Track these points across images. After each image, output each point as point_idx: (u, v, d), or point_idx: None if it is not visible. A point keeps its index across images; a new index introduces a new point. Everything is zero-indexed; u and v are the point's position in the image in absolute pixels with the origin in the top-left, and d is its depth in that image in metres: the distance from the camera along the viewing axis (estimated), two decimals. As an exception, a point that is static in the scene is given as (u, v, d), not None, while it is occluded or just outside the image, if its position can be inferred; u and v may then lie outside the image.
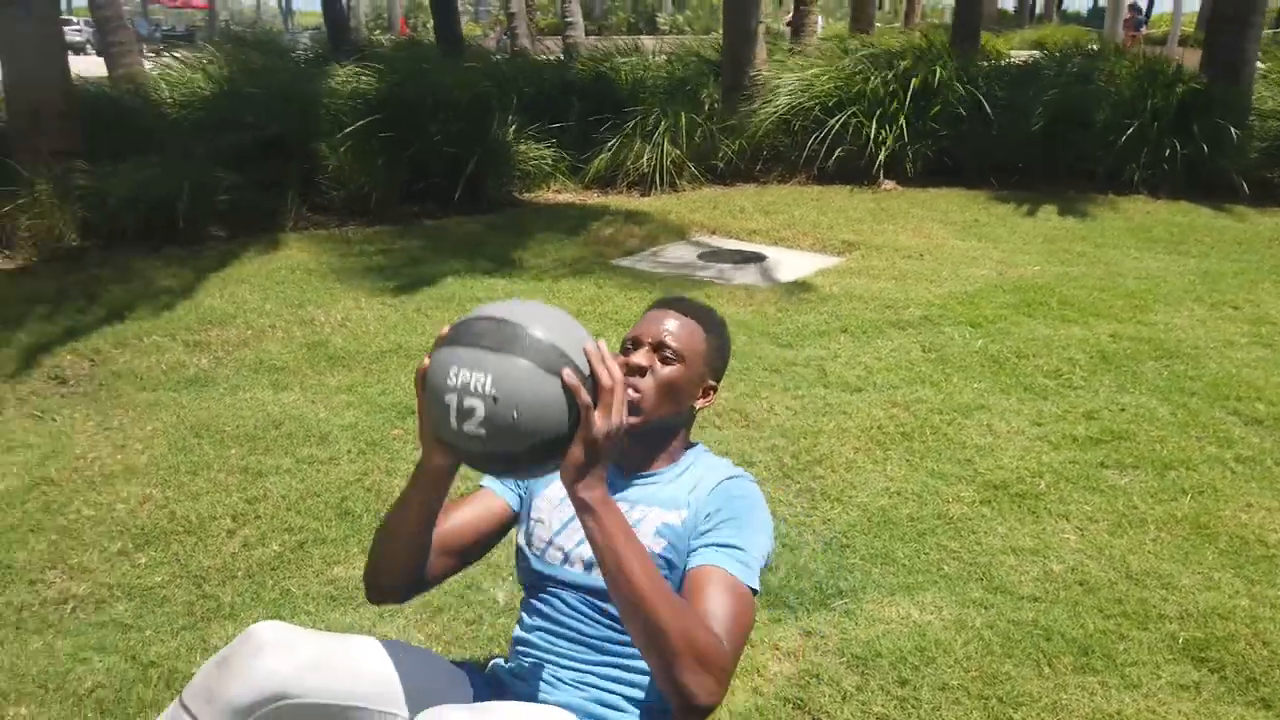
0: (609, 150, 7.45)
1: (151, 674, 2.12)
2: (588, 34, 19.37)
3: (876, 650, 2.23)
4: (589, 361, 1.25)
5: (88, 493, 2.90)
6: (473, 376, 1.20)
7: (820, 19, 19.24)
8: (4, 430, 3.32)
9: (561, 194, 7.36)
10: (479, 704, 1.47)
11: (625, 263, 5.56)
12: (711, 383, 1.65)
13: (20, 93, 6.18)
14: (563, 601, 1.57)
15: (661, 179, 7.34)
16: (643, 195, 7.33)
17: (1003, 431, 3.39)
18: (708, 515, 1.50)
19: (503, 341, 1.22)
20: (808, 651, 2.24)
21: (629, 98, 8.09)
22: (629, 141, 7.44)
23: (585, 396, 1.22)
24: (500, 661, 1.69)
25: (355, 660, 1.48)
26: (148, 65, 10.68)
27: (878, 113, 7.46)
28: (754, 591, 1.43)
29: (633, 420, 1.48)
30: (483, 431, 1.20)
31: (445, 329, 1.29)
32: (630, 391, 1.50)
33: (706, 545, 1.45)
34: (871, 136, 7.39)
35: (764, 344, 4.21)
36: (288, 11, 54.82)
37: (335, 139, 6.31)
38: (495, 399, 1.19)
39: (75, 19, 34.67)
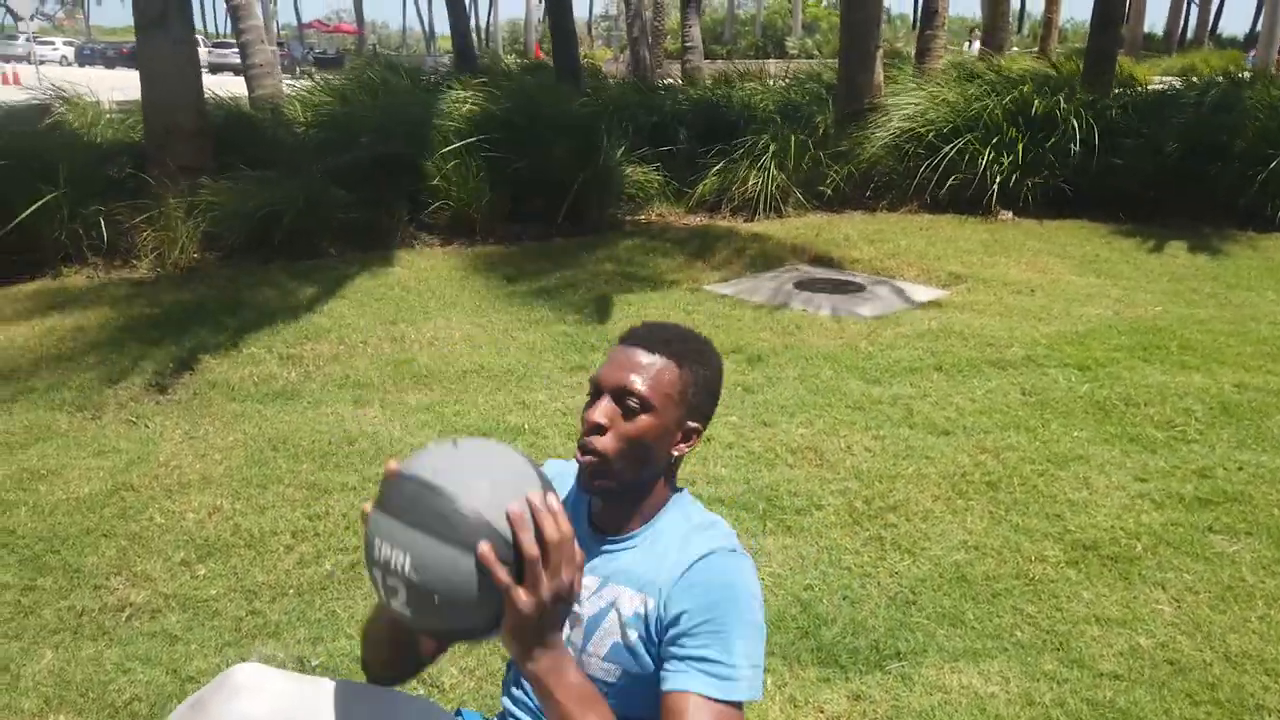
0: (714, 175, 7.39)
1: (189, 689, 2.14)
2: (715, 58, 19.32)
3: (928, 721, 2.07)
4: (512, 530, 1.10)
5: (163, 500, 2.99)
6: (393, 555, 1.10)
7: (969, 43, 18.77)
8: (99, 435, 3.47)
9: (665, 217, 7.33)
10: None
11: (715, 287, 5.46)
12: (693, 424, 1.37)
13: (156, 113, 6.55)
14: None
15: (766, 204, 7.21)
16: (746, 220, 7.22)
17: (1100, 486, 3.14)
18: (680, 615, 1.30)
19: (426, 517, 1.09)
20: (849, 716, 2.09)
21: (739, 122, 8.02)
22: (735, 166, 7.36)
23: (504, 576, 1.08)
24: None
25: (330, 706, 1.45)
26: (286, 86, 11.23)
27: (994, 140, 7.14)
28: (738, 704, 1.25)
29: (603, 484, 1.34)
30: (408, 612, 1.12)
31: (388, 468, 1.16)
32: (589, 456, 1.33)
33: (681, 658, 1.28)
34: (986, 164, 7.08)
35: (849, 379, 4.05)
36: (431, 36, 57.10)
37: (441, 159, 6.43)
38: (414, 584, 1.09)
39: (234, 42, 37.04)
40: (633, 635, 1.33)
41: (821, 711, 2.12)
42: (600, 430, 1.32)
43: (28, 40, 34.96)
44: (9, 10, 30.09)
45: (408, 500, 1.11)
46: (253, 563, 2.67)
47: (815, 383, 4.00)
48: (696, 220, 7.30)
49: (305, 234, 6.06)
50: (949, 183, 7.18)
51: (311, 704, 1.41)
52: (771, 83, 10.67)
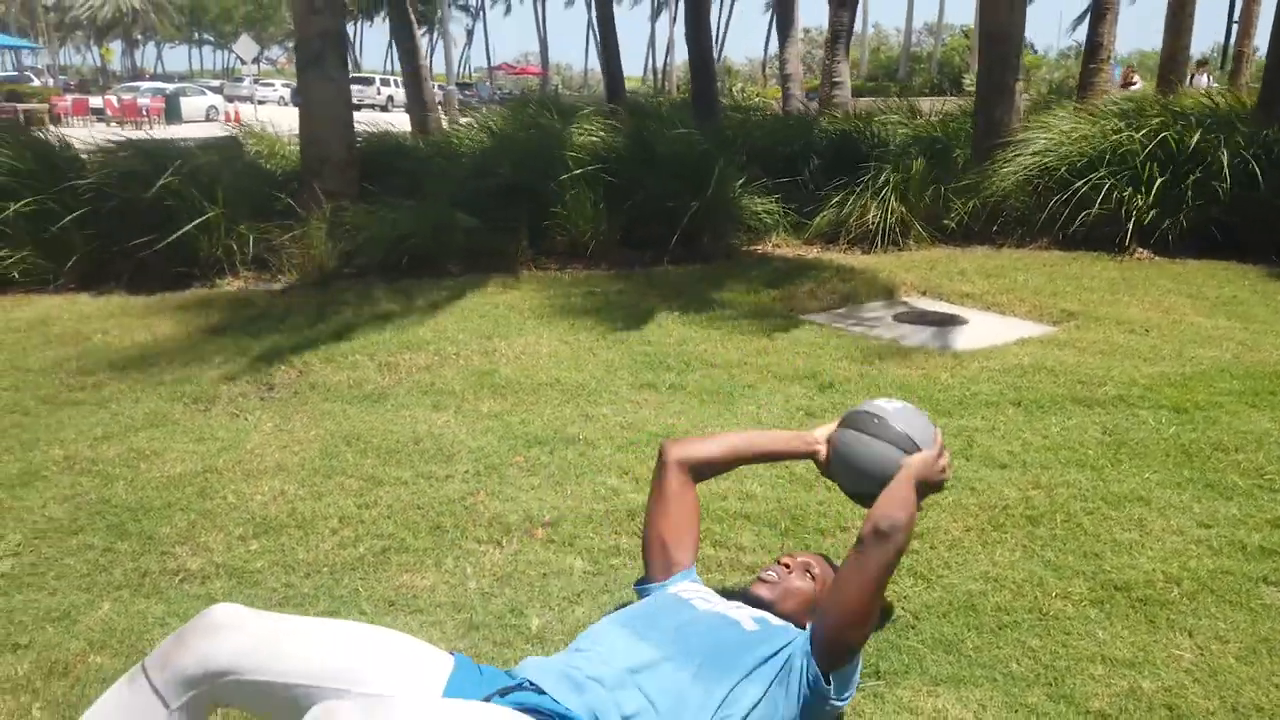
0: (833, 206, 7.37)
1: (210, 643, 2.38)
2: (892, 95, 19.12)
3: (883, 739, 2.05)
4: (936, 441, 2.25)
5: (239, 483, 3.30)
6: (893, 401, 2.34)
7: (1137, 78, 17.83)
8: (204, 424, 3.86)
9: (781, 248, 7.37)
10: (385, 700, 1.54)
11: (812, 317, 5.46)
12: None
13: (312, 143, 7.19)
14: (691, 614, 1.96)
15: (885, 237, 7.14)
16: (863, 253, 7.16)
17: (1155, 529, 2.98)
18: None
19: (868, 427, 2.26)
20: (807, 727, 2.10)
21: (868, 155, 7.98)
22: (854, 198, 7.32)
23: (940, 439, 2.26)
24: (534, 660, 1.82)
25: (304, 644, 1.61)
26: (445, 122, 12.01)
27: (1131, 175, 6.80)
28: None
29: (766, 596, 2.12)
30: (894, 408, 2.27)
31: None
32: (773, 571, 2.18)
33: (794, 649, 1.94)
34: (1124, 201, 6.75)
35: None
36: (621, 85, 59.02)
37: (561, 187, 6.73)
38: (907, 406, 2.32)
39: (433, 83, 39.59)
40: (750, 622, 1.98)
41: None
42: (787, 567, 2.21)
43: (251, 82, 38.59)
44: (237, 55, 33.34)
45: (864, 421, 2.25)
46: (299, 542, 2.92)
47: (880, 411, 3.95)
48: (812, 252, 7.30)
49: (431, 256, 6.47)
50: (1082, 219, 6.89)
51: (287, 642, 1.60)
52: (922, 119, 10.52)
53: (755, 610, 2.03)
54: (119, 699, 1.56)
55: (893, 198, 7.17)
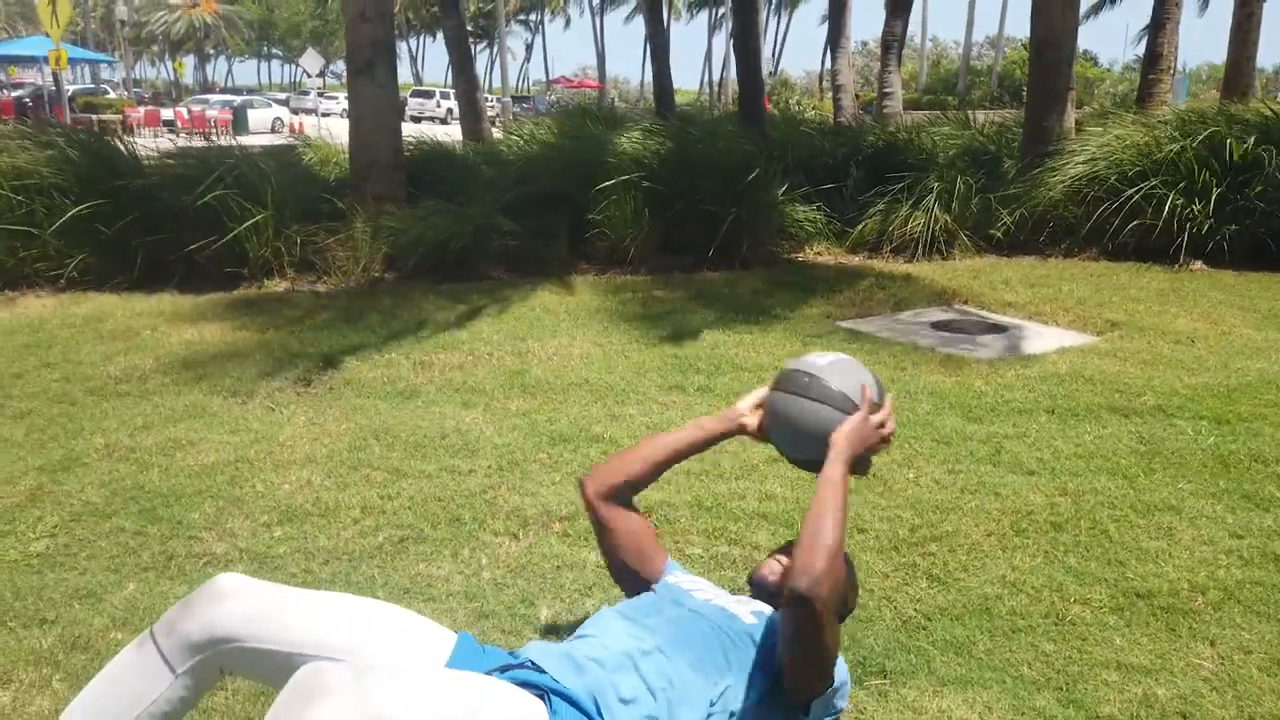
0: (876, 215, 7.31)
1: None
2: (950, 108, 18.96)
3: (882, 736, 2.03)
4: (879, 389, 1.96)
5: (268, 473, 3.38)
6: (827, 355, 1.99)
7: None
8: (240, 417, 3.96)
9: (822, 256, 7.32)
10: (372, 668, 1.56)
11: (848, 324, 5.42)
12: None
13: (361, 148, 7.33)
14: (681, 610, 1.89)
15: (929, 246, 7.06)
16: (906, 261, 7.09)
17: (1185, 539, 2.90)
18: None
19: (855, 365, 1.99)
20: (806, 722, 2.08)
21: (914, 165, 7.90)
22: (898, 206, 7.25)
23: (872, 392, 1.91)
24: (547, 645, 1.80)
25: (308, 614, 1.65)
26: (499, 132, 12.16)
27: (1184, 185, 6.64)
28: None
29: (770, 582, 1.99)
30: (824, 362, 1.94)
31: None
32: (769, 565, 2.03)
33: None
34: (1175, 211, 6.59)
35: (948, 415, 3.93)
36: (670, 95, 59.20)
37: (601, 193, 6.78)
38: (839, 359, 1.97)
39: (491, 97, 40.16)
40: (749, 615, 1.88)
41: (782, 715, 2.12)
42: (782, 561, 2.01)
43: (316, 95, 39.52)
44: (303, 68, 34.18)
45: (794, 381, 1.94)
46: (321, 529, 2.98)
47: (909, 416, 3.92)
48: (854, 260, 7.25)
49: (472, 260, 6.56)
50: (1131, 229, 6.74)
51: (290, 613, 1.63)
52: (974, 129, 10.39)
53: (755, 603, 2.01)
54: (127, 663, 1.60)
55: (937, 206, 7.09)
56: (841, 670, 1.82)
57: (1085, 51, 53.71)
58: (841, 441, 1.83)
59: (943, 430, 3.76)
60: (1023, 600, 2.58)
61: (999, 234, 7.22)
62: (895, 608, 2.55)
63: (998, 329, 5.32)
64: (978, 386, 4.29)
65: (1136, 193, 6.73)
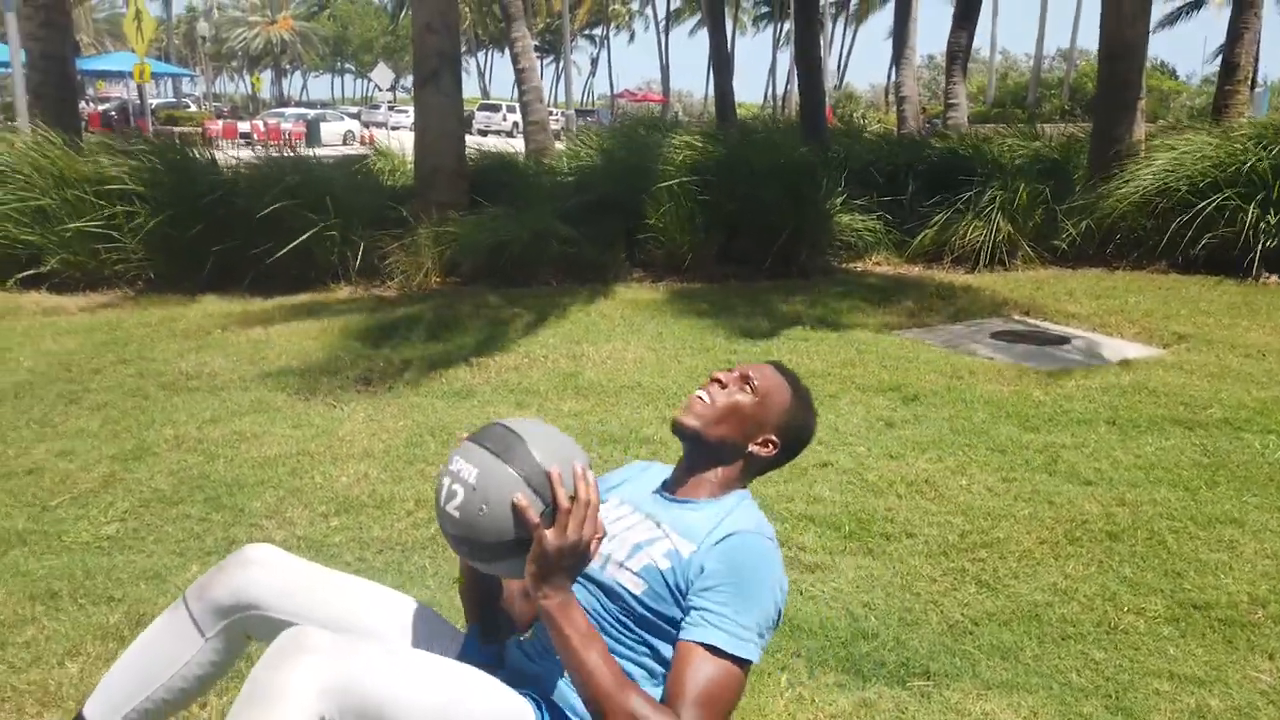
0: (935, 225, 7.24)
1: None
2: (1018, 121, 18.66)
3: (924, 736, 2.01)
4: (550, 484, 1.39)
5: (327, 466, 3.48)
6: (464, 466, 1.41)
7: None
8: (303, 413, 4.07)
9: (880, 266, 7.27)
10: (363, 638, 1.57)
11: (905, 333, 5.38)
12: (773, 438, 1.66)
13: (426, 156, 7.50)
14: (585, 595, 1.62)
15: (990, 257, 6.96)
16: (966, 272, 7.00)
17: (1247, 552, 2.83)
18: (708, 572, 1.50)
19: (502, 449, 1.41)
20: (847, 718, 2.08)
21: (977, 175, 7.80)
22: (959, 217, 7.17)
23: (533, 516, 1.37)
24: (518, 638, 1.80)
25: (330, 593, 1.70)
26: (563, 144, 12.33)
27: (1260, 196, 6.45)
28: (743, 661, 1.44)
29: (691, 424, 1.63)
30: (456, 514, 1.41)
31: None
32: (699, 396, 1.65)
33: (698, 610, 1.47)
34: (1249, 223, 6.40)
35: (1004, 424, 3.88)
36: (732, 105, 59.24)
37: (657, 201, 6.82)
38: (474, 489, 1.39)
39: (555, 110, 40.71)
40: (666, 564, 1.53)
41: (823, 712, 2.12)
42: (721, 384, 1.66)
43: (387, 108, 40.40)
44: (374, 82, 34.95)
45: (494, 437, 1.43)
46: (375, 520, 3.05)
47: (963, 424, 3.88)
48: (913, 270, 7.18)
49: (530, 265, 6.66)
50: (1203, 241, 6.57)
51: (316, 590, 1.68)
52: (1041, 141, 10.23)
53: (657, 548, 1.56)
54: (162, 627, 1.66)
55: (999, 216, 6.99)
56: (771, 628, 1.51)
57: (1162, 63, 52.42)
58: (546, 598, 1.39)
59: (998, 439, 3.71)
60: (1074, 608, 2.54)
61: (1064, 245, 7.09)
62: (942, 611, 2.53)
63: (1059, 340, 5.23)
64: (1036, 396, 4.23)
65: (1209, 205, 6.56)
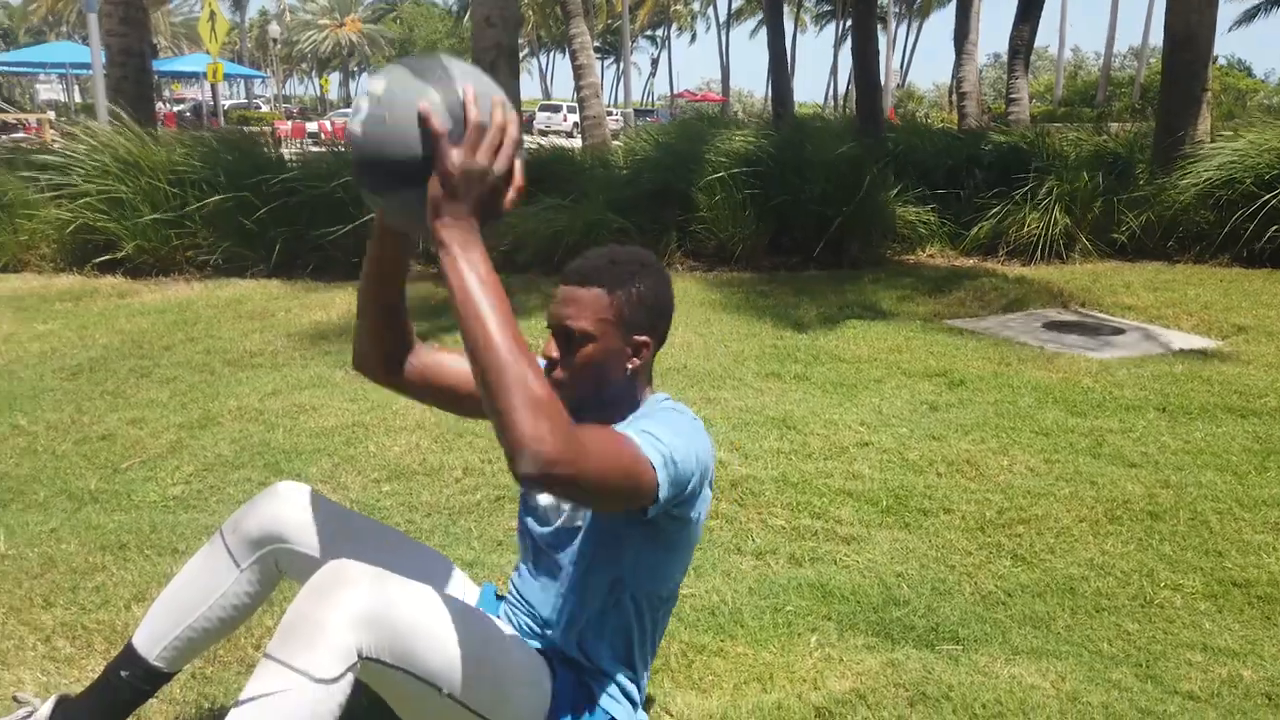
0: (992, 217, 7.17)
1: (334, 560, 2.63)
2: (1086, 120, 18.28)
3: (948, 693, 2.04)
4: (464, 101, 1.25)
5: (381, 436, 3.60)
6: (376, 81, 1.27)
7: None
8: (359, 386, 4.20)
9: (934, 258, 7.23)
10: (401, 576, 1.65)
11: (955, 322, 5.36)
12: (640, 338, 1.54)
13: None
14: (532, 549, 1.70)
15: (1047, 249, 6.88)
16: (1022, 265, 6.93)
17: (1293, 533, 2.79)
18: (634, 419, 1.50)
19: (422, 69, 1.27)
20: (874, 676, 2.12)
21: (1036, 168, 7.69)
22: (1015, 209, 7.09)
23: (438, 124, 1.23)
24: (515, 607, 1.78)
25: (353, 530, 1.78)
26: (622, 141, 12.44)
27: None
28: (652, 466, 1.36)
29: (572, 406, 1.38)
30: (359, 130, 1.26)
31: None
32: (553, 386, 1.36)
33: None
34: (1319, 214, 6.25)
35: (1051, 409, 3.86)
36: (789, 101, 58.98)
37: (708, 192, 6.87)
38: (379, 100, 1.25)
39: (614, 110, 40.90)
40: None
41: (850, 670, 2.16)
42: (552, 364, 1.53)
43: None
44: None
45: (415, 58, 1.30)
46: (425, 487, 3.17)
47: (1009, 408, 3.87)
48: (968, 262, 7.12)
49: (578, 253, 6.74)
50: (1268, 235, 6.41)
51: (337, 526, 1.77)
52: (1103, 136, 10.05)
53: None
54: (201, 561, 1.76)
55: (1056, 209, 6.90)
56: (682, 462, 1.41)
57: (1239, 61, 50.88)
58: (444, 228, 1.26)
59: (1043, 423, 3.70)
60: (1110, 582, 2.54)
61: (1123, 238, 6.98)
62: (975, 583, 2.55)
63: (1114, 330, 5.16)
64: (1085, 384, 4.19)
65: (1275, 197, 6.41)
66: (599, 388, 1.54)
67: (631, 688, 1.66)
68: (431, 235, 1.27)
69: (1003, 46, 13.84)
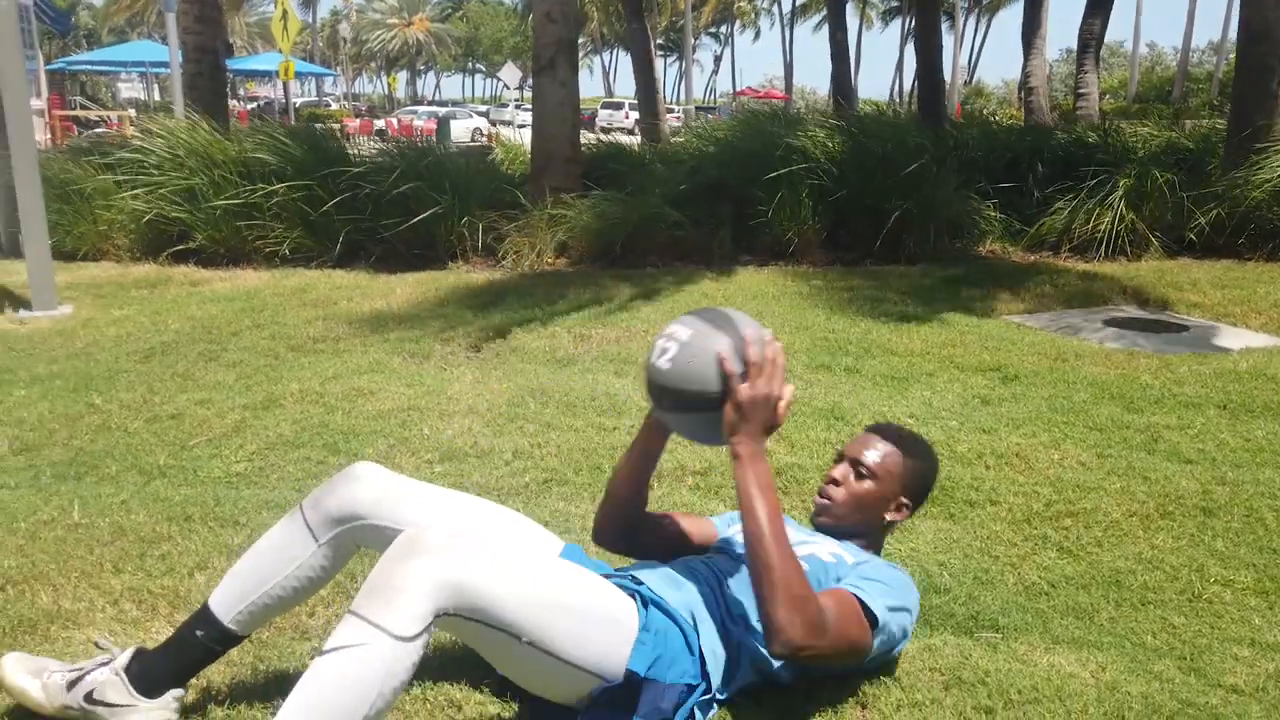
0: (1057, 212, 7.04)
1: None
2: (1162, 117, 17.84)
3: (984, 678, 2.04)
4: (745, 347, 1.67)
5: (434, 420, 3.69)
6: (679, 329, 1.72)
7: None
8: (416, 373, 4.32)
9: (996, 253, 7.12)
10: (479, 538, 1.79)
11: (1013, 318, 5.29)
12: (905, 500, 1.98)
13: (542, 141, 7.75)
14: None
15: (1112, 245, 6.74)
16: (1085, 261, 6.80)
17: (1354, 533, 2.72)
18: (860, 565, 1.86)
19: (715, 320, 1.73)
20: (909, 659, 2.12)
21: (1103, 163, 7.54)
22: (1082, 205, 6.96)
23: (731, 366, 1.65)
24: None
25: (430, 501, 1.88)
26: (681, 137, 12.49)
27: None
28: (873, 618, 1.73)
29: (821, 519, 1.96)
30: (668, 366, 1.69)
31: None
32: (822, 499, 1.97)
33: (851, 574, 1.81)
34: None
35: (1106, 405, 3.80)
36: (850, 95, 58.37)
37: (764, 186, 6.86)
38: (686, 344, 1.69)
39: (676, 107, 40.89)
40: (830, 559, 1.87)
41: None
42: (836, 483, 1.97)
43: (514, 107, 41.50)
44: (502, 81, 35.85)
45: (708, 312, 1.77)
46: (476, 468, 3.24)
47: (1063, 403, 3.82)
48: (1031, 258, 7.01)
49: (640, 248, 6.81)
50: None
51: (416, 500, 1.86)
52: (1175, 131, 9.79)
53: (823, 547, 1.93)
54: (281, 532, 1.86)
55: (1123, 204, 6.76)
56: (894, 619, 1.81)
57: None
58: (739, 444, 1.67)
59: (1097, 418, 3.64)
60: (1158, 576, 2.51)
61: (1192, 235, 6.80)
62: (1019, 574, 2.54)
63: (1178, 328, 5.05)
64: (1144, 380, 4.12)
65: (1353, 192, 6.20)
66: (858, 520, 1.96)
67: (719, 656, 1.79)
68: (729, 448, 1.69)
69: (1074, 41, 13.57)
